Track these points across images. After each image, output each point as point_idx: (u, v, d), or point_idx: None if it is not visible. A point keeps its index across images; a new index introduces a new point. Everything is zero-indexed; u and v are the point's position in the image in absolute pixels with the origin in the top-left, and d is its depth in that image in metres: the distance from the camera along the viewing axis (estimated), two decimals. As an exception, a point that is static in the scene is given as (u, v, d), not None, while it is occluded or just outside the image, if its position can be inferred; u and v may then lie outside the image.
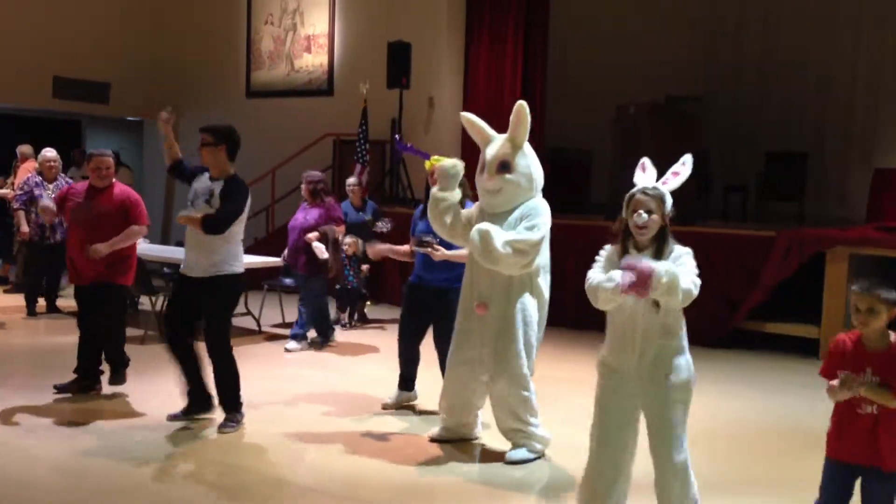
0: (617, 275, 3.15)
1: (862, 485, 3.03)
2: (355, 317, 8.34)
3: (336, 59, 11.81)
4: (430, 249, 4.87)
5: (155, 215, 13.42)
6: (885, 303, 2.94)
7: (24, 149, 9.70)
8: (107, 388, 5.52)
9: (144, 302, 7.95)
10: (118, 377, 5.49)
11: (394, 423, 5.10)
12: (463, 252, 4.91)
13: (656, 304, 3.20)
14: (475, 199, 5.04)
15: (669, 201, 3.30)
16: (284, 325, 8.03)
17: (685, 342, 3.34)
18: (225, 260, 4.77)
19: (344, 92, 11.31)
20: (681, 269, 3.16)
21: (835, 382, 2.98)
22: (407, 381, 5.36)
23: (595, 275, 3.27)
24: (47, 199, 5.87)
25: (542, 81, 10.78)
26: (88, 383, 5.51)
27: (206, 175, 4.85)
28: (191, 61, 13.08)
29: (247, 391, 5.68)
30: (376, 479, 4.20)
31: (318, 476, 4.24)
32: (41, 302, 8.40)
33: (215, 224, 4.68)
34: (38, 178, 8.32)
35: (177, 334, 4.88)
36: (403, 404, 5.35)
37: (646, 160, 3.52)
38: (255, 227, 11.23)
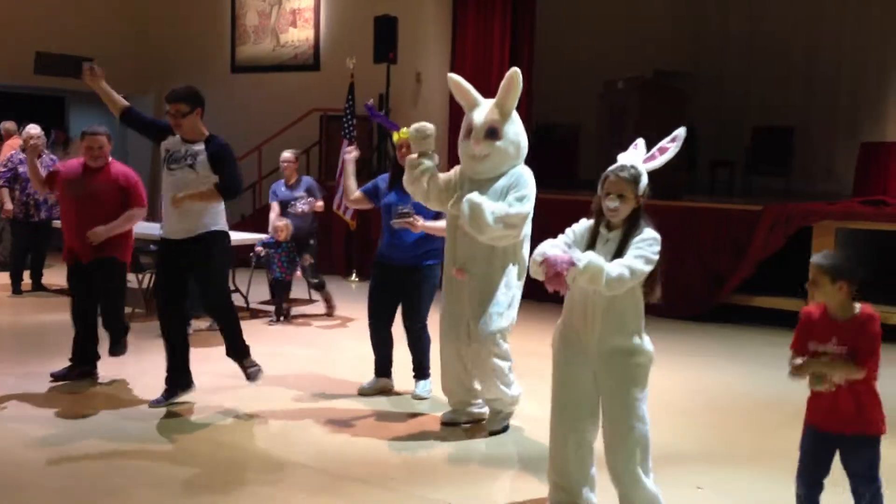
0: (546, 248, 3.18)
1: (840, 453, 3.07)
2: (284, 312, 7.43)
3: (322, 33, 11.71)
4: (410, 220, 4.76)
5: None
6: (826, 273, 2.97)
7: (8, 125, 9.60)
8: (100, 369, 5.48)
9: (131, 279, 7.90)
10: (118, 347, 5.38)
11: (379, 403, 5.11)
12: (442, 224, 4.84)
13: None
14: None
15: (644, 182, 3.24)
16: (272, 301, 8.01)
17: (642, 319, 3.31)
18: (211, 220, 4.72)
19: (330, 67, 11.23)
20: (622, 259, 3.11)
21: (798, 360, 3.00)
22: (383, 367, 5.25)
23: (543, 245, 3.23)
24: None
25: (529, 56, 10.72)
26: (86, 369, 5.35)
27: (178, 137, 4.73)
28: (175, 36, 12.94)
29: (232, 367, 5.67)
30: (366, 457, 4.22)
31: (307, 453, 4.25)
32: (26, 280, 8.35)
33: (233, 190, 4.69)
34: (22, 156, 8.24)
35: (169, 302, 4.79)
36: (380, 391, 5.21)
37: (640, 141, 3.48)
38: (241, 203, 11.18)
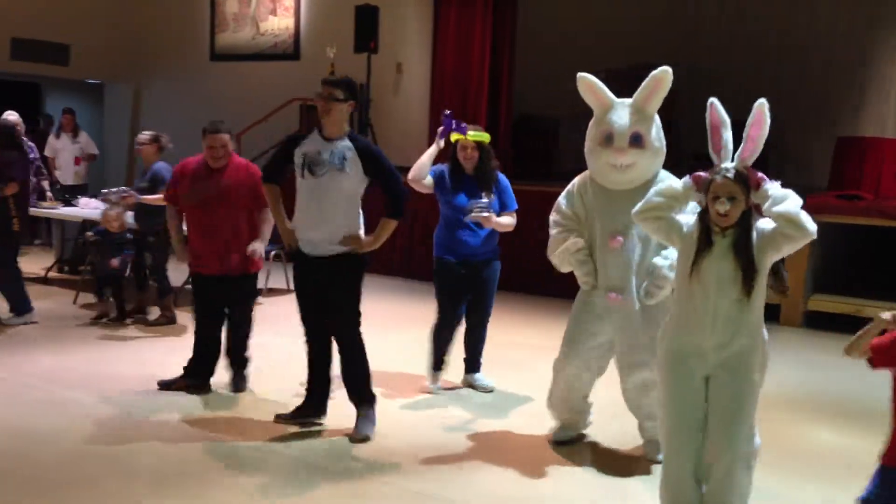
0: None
1: None
2: (117, 310, 6.65)
3: (302, 22, 11.64)
4: (487, 215, 4.71)
5: (117, 181, 13.21)
6: None
7: (-19, 111, 9.45)
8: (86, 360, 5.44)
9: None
10: (242, 381, 4.98)
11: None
12: (510, 221, 4.86)
13: (747, 279, 3.02)
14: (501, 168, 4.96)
15: (766, 181, 3.02)
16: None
17: (762, 317, 3.16)
18: (354, 234, 4.24)
19: (310, 56, 11.17)
20: (790, 200, 2.97)
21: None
22: (441, 361, 5.12)
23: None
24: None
25: (510, 47, 10.72)
26: (198, 383, 4.95)
27: (316, 136, 4.23)
28: (153, 22, 12.81)
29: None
30: (349, 448, 4.22)
31: (287, 444, 4.24)
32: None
33: (404, 206, 4.26)
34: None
35: (318, 327, 4.36)
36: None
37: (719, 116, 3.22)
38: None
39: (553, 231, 4.08)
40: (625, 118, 3.87)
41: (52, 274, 8.44)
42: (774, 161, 10.14)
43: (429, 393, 5.07)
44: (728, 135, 3.19)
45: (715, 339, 3.07)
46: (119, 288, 6.62)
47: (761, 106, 3.16)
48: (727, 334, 3.06)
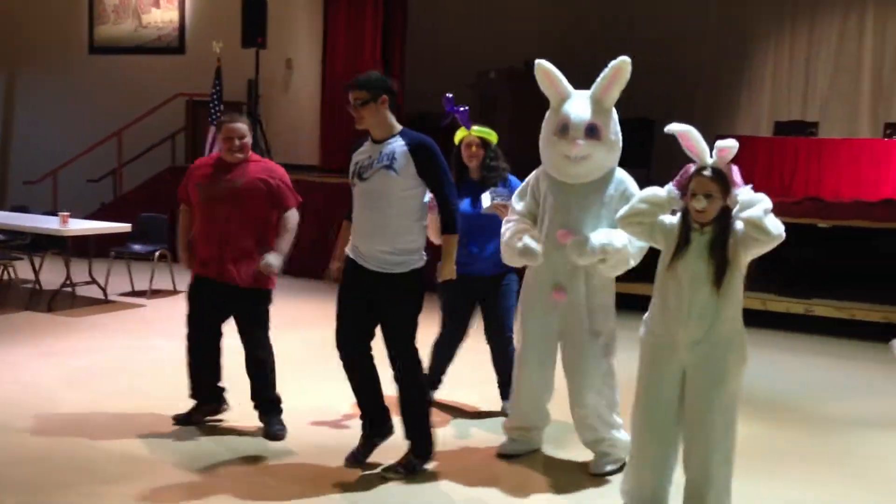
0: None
1: None
2: None
3: (188, 15, 11.31)
4: (508, 204, 4.21)
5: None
6: None
7: None
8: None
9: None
10: (278, 427, 4.27)
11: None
12: None
13: (718, 275, 3.06)
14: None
15: (739, 186, 3.09)
16: (133, 293, 7.70)
17: (740, 314, 3.20)
18: (412, 249, 3.74)
19: (196, 50, 10.86)
20: (757, 206, 3.06)
21: None
22: (438, 380, 4.75)
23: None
24: None
25: (401, 44, 10.72)
26: (214, 407, 4.46)
27: (367, 142, 3.81)
28: (27, 12, 12.18)
29: (96, 362, 5.42)
30: (238, 458, 4.13)
31: (178, 453, 4.12)
32: None
33: (453, 215, 3.76)
34: None
35: (354, 339, 3.83)
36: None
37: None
38: (101, 191, 10.68)
39: (503, 227, 3.98)
40: (581, 109, 3.78)
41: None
42: (658, 158, 10.53)
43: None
44: (697, 136, 3.30)
45: (689, 335, 3.12)
46: None
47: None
48: (701, 330, 3.11)
